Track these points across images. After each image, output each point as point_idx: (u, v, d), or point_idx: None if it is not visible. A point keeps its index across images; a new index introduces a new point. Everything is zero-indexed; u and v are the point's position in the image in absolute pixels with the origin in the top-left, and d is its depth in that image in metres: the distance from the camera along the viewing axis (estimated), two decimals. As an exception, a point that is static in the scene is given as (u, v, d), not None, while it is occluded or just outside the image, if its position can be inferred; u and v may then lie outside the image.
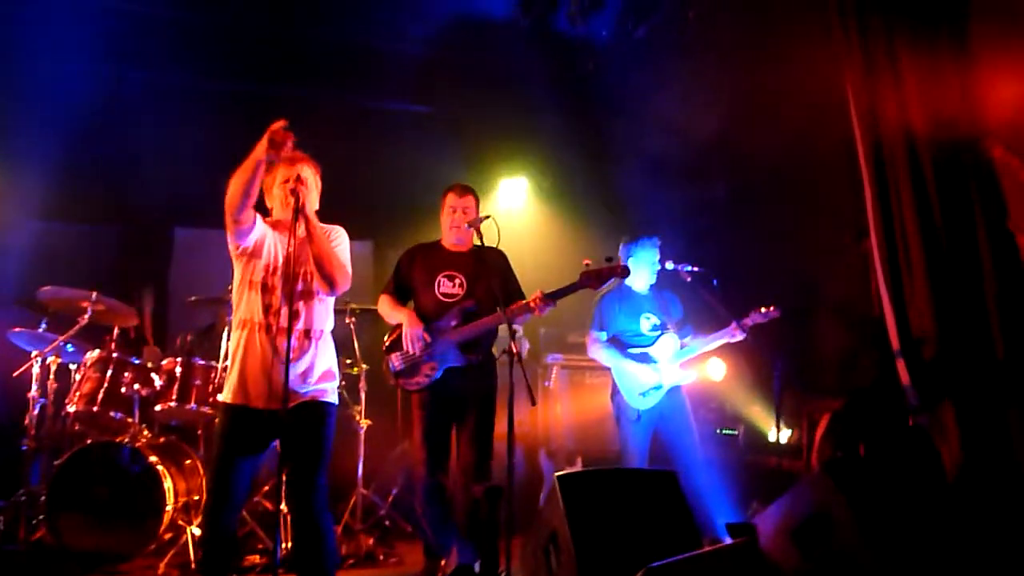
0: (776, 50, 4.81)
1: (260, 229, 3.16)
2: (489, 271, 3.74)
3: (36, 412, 4.52)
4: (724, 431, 5.42)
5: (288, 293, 3.02)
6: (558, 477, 3.15)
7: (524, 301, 3.66)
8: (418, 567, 3.90)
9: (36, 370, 4.52)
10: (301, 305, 3.09)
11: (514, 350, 3.31)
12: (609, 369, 4.45)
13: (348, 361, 4.94)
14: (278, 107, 5.75)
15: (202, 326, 5.10)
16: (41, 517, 4.21)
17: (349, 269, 3.23)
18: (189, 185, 5.74)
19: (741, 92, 5.26)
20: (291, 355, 2.92)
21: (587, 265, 3.63)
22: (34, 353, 4.52)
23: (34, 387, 4.51)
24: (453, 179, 4.08)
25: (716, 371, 5.21)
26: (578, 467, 5.24)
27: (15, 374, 4.54)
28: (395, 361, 3.78)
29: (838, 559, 2.83)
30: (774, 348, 4.16)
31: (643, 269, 4.44)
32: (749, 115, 5.17)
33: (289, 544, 4.26)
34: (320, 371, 3.16)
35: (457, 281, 3.82)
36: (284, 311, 3.03)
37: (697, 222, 5.74)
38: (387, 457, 5.31)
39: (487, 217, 3.77)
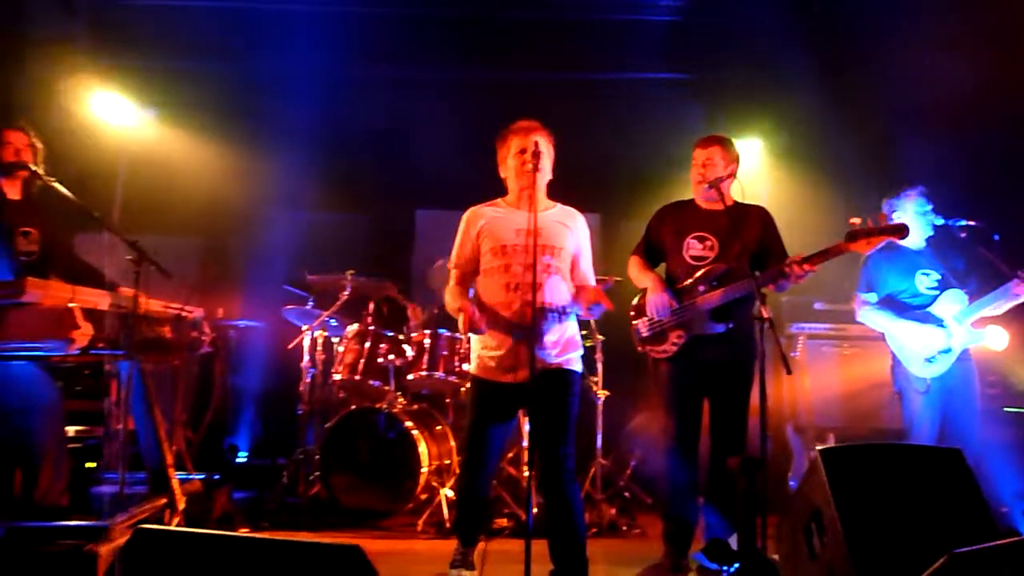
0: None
1: (476, 229, 3.24)
2: (745, 232, 3.50)
3: (308, 380, 5.03)
4: (1010, 408, 4.75)
5: (529, 266, 3.02)
6: (821, 452, 2.90)
7: (778, 265, 3.36)
8: (659, 540, 3.80)
9: (307, 343, 5.02)
10: (543, 278, 3.10)
11: (765, 316, 3.10)
12: (881, 337, 4.04)
13: (583, 332, 4.94)
14: (509, 91, 6.01)
15: (443, 301, 5.38)
16: (317, 474, 4.68)
17: (589, 263, 3.32)
18: (425, 170, 6.12)
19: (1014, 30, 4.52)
20: (535, 328, 2.95)
21: (853, 225, 3.27)
22: (304, 328, 5.03)
23: (306, 358, 5.03)
24: (686, 144, 3.88)
25: (997, 340, 4.55)
26: (831, 444, 4.86)
27: (290, 346, 5.10)
28: (642, 327, 3.69)
29: None
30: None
31: (913, 223, 3.99)
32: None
33: (535, 510, 4.41)
34: (564, 341, 3.18)
35: (708, 243, 3.59)
36: (525, 284, 3.06)
37: (964, 175, 5.06)
38: (625, 428, 5.28)
39: (728, 176, 3.56)
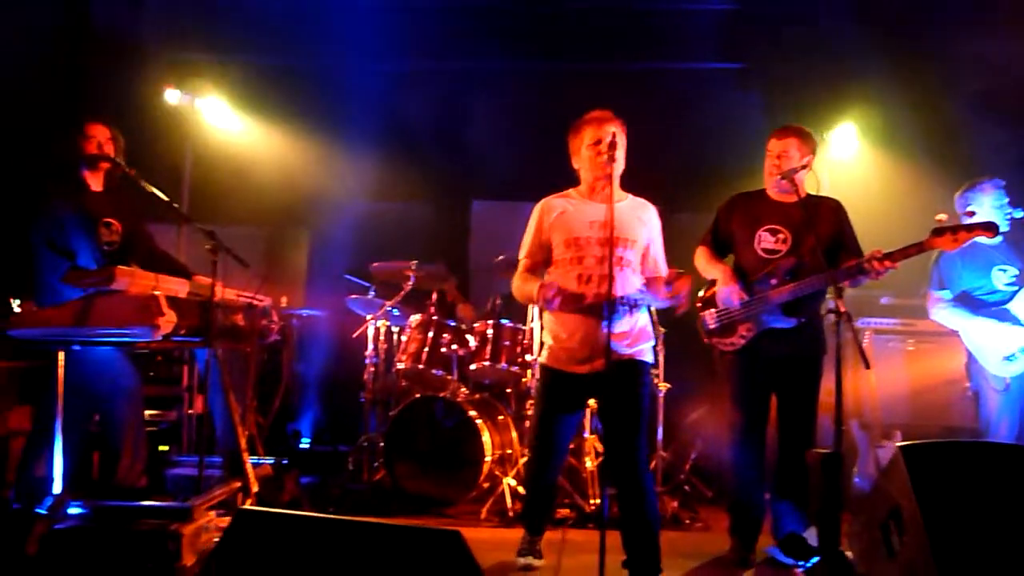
0: None
1: (548, 220, 3.24)
2: (819, 225, 3.44)
3: (372, 369, 5.11)
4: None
5: (604, 258, 3.03)
6: (901, 448, 2.85)
7: (857, 261, 3.30)
8: (723, 533, 3.79)
9: (370, 332, 5.10)
10: (616, 271, 3.10)
11: (841, 309, 3.06)
12: (950, 332, 3.97)
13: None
14: (567, 82, 6.01)
15: (505, 291, 5.41)
16: (381, 461, 4.76)
17: (661, 253, 3.31)
18: (482, 161, 6.16)
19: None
20: (608, 320, 2.95)
21: (940, 222, 3.20)
22: (368, 317, 5.10)
23: (369, 347, 5.11)
24: (753, 135, 3.84)
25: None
26: (898, 441, 4.78)
27: (354, 335, 5.19)
28: (709, 319, 3.66)
29: None
30: None
31: (990, 217, 3.88)
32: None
33: (596, 501, 4.43)
34: (636, 332, 3.19)
35: (780, 236, 3.54)
36: (598, 276, 3.07)
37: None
38: (685, 421, 5.26)
39: (803, 167, 3.51)
